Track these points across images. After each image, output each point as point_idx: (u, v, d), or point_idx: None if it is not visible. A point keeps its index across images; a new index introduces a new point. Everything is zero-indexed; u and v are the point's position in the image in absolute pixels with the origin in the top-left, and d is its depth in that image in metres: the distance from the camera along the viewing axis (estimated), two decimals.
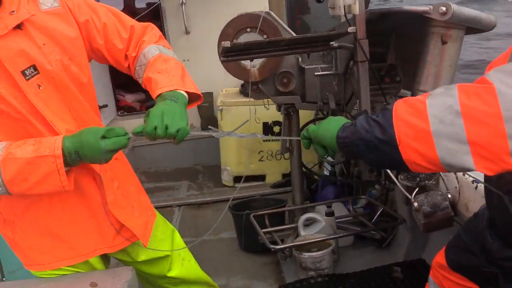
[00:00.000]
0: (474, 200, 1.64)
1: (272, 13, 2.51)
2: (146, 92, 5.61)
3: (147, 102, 5.58)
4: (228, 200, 2.22)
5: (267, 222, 2.61)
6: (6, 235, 1.40)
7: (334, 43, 2.13)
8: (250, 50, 2.10)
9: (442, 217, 1.69)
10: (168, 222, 1.69)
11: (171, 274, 1.56)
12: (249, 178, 3.91)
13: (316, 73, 2.42)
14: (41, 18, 1.25)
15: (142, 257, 1.48)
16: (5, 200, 1.32)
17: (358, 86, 1.97)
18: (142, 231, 1.45)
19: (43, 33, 1.24)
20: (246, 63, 2.45)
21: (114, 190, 1.39)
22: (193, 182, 4.21)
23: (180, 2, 4.64)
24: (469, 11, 1.71)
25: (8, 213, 1.34)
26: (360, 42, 1.88)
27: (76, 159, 1.16)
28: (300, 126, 2.72)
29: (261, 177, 3.92)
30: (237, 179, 3.94)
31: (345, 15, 1.88)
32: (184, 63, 4.73)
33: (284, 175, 3.86)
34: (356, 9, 1.81)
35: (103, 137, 1.15)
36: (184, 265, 1.62)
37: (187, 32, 4.74)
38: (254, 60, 2.34)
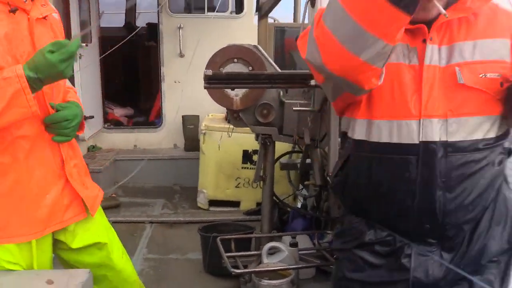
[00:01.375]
0: None
1: (260, 47, 2.65)
2: (135, 107, 5.75)
3: (135, 118, 5.68)
4: (200, 222, 2.30)
5: (233, 247, 2.66)
6: None
7: (311, 82, 2.26)
8: (232, 80, 2.22)
9: None
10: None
11: (111, 262, 1.59)
12: (224, 203, 3.99)
13: (294, 108, 2.54)
14: (54, 18, 1.51)
15: (79, 243, 1.52)
16: None
17: (329, 123, 2.09)
18: (92, 202, 1.53)
19: (57, 29, 1.50)
20: (230, 91, 2.57)
21: (71, 167, 1.47)
22: (169, 202, 4.26)
23: (178, 26, 4.81)
24: None
25: None
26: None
27: (37, 80, 1.24)
28: (276, 157, 2.83)
29: (236, 203, 3.99)
30: (212, 202, 4.00)
31: None
32: (175, 84, 4.88)
33: (258, 204, 3.92)
34: None
35: (51, 51, 1.23)
36: (123, 258, 1.67)
37: (182, 55, 4.89)
38: (237, 89, 2.47)
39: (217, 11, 4.88)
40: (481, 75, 1.11)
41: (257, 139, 2.81)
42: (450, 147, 1.12)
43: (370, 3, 0.94)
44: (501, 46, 1.14)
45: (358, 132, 1.21)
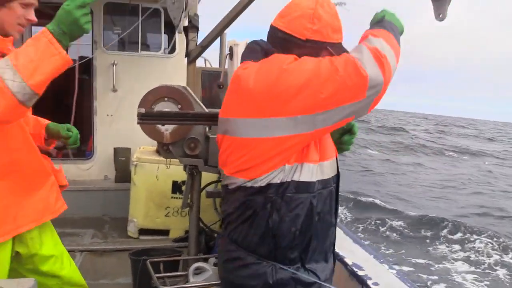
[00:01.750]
0: None
1: (188, 88, 2.99)
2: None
3: (65, 150, 5.70)
4: (130, 250, 2.51)
5: (161, 268, 2.89)
6: None
7: None
8: (163, 117, 2.53)
9: None
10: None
11: (62, 273, 1.82)
12: (154, 232, 4.17)
13: None
14: None
15: (45, 251, 1.76)
16: None
17: None
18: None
19: None
20: (161, 126, 2.87)
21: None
22: (99, 231, 4.35)
23: (112, 62, 5.04)
24: None
25: None
26: None
27: (60, 32, 1.49)
28: (202, 185, 3.13)
29: (166, 232, 4.19)
30: (142, 231, 4.17)
31: None
32: (107, 117, 5.10)
33: (186, 232, 4.15)
34: None
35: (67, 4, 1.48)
36: (71, 265, 1.89)
37: (115, 90, 5.09)
38: (167, 125, 2.77)
39: (150, 50, 5.19)
40: None
41: (185, 169, 3.10)
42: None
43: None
44: None
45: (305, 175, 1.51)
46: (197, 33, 2.99)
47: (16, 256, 1.78)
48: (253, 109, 1.48)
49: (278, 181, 1.48)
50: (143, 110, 2.34)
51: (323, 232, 1.56)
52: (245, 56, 1.63)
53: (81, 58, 6.33)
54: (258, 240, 1.54)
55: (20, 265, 1.82)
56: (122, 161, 5.00)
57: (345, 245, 2.03)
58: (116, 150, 4.99)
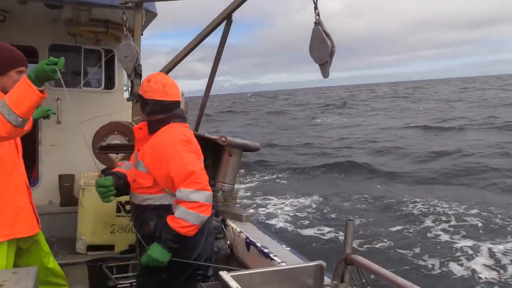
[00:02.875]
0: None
1: (133, 123, 3.71)
2: None
3: None
4: (80, 264, 3.12)
5: (115, 272, 3.52)
6: None
7: None
8: (116, 148, 3.23)
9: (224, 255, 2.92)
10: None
11: (50, 265, 2.47)
12: (101, 247, 4.71)
13: None
14: None
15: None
16: None
17: None
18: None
19: None
20: (112, 155, 3.54)
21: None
22: None
23: (56, 97, 5.54)
24: (240, 140, 3.14)
25: None
26: None
27: (35, 79, 2.16)
28: None
29: (111, 247, 4.75)
30: (90, 247, 4.69)
31: None
32: (51, 148, 5.68)
33: (130, 245, 4.75)
34: None
35: (46, 64, 2.18)
36: (54, 261, 2.55)
37: (58, 122, 5.58)
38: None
39: (91, 87, 5.79)
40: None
41: None
42: None
43: None
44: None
45: None
46: (140, 79, 3.72)
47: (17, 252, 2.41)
48: None
49: None
50: (104, 143, 3.03)
51: None
52: None
53: None
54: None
55: (18, 258, 2.44)
56: (67, 187, 5.48)
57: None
58: (61, 177, 5.46)
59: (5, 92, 2.38)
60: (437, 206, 11.21)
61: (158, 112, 2.56)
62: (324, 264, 1.97)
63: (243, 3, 3.29)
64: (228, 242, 2.93)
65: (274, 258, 2.51)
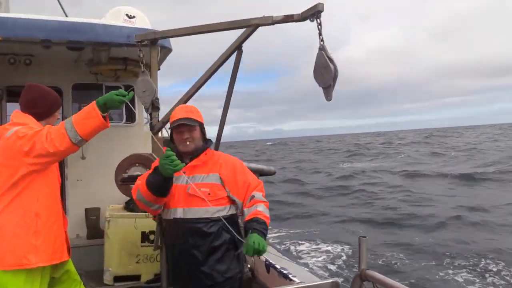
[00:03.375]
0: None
1: (154, 155, 3.85)
2: None
3: None
4: None
5: None
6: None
7: None
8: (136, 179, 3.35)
9: (245, 278, 2.97)
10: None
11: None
12: (127, 278, 4.81)
13: None
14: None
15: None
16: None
17: None
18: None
19: None
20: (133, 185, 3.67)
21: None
22: None
23: None
24: (255, 165, 3.23)
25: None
26: None
27: (102, 106, 2.47)
28: None
29: (137, 277, 4.85)
30: (116, 278, 4.80)
31: None
32: (77, 183, 5.92)
33: (156, 275, 4.83)
34: None
35: (116, 94, 2.52)
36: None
37: (83, 158, 5.82)
38: None
39: (113, 121, 6.02)
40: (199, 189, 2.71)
41: (154, 218, 3.89)
42: None
43: None
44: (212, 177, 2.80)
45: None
46: (158, 112, 3.89)
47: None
48: None
49: None
50: (126, 175, 3.16)
51: None
52: None
53: None
54: None
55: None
56: (93, 220, 5.65)
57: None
58: (87, 210, 5.64)
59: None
60: None
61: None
62: (339, 281, 2.02)
63: (251, 34, 3.45)
64: (249, 265, 2.98)
65: (293, 278, 2.56)
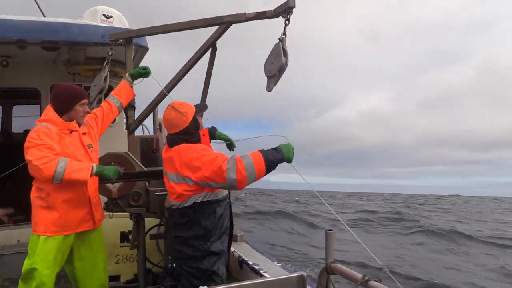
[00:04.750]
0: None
1: (129, 153, 3.83)
2: (16, 206, 6.59)
3: (14, 217, 6.17)
4: None
5: None
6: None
7: None
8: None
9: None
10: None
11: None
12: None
13: (156, 193, 3.72)
14: (89, 129, 3.38)
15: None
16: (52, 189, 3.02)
17: None
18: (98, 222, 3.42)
19: (92, 132, 3.40)
20: (110, 184, 3.65)
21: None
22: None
23: None
24: None
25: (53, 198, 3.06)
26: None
27: (98, 172, 3.01)
28: (146, 229, 3.90)
29: (117, 277, 4.81)
30: None
31: None
32: None
33: (135, 275, 4.81)
34: None
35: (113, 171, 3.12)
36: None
37: None
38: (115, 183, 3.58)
39: None
40: None
41: (131, 218, 3.88)
42: None
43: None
44: None
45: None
46: (134, 111, 3.88)
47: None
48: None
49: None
50: None
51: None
52: None
53: (25, 131, 6.95)
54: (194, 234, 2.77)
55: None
56: None
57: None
58: None
59: (75, 121, 3.20)
60: None
61: None
62: (305, 274, 2.04)
63: (225, 31, 3.46)
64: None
65: (264, 274, 2.57)
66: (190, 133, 2.95)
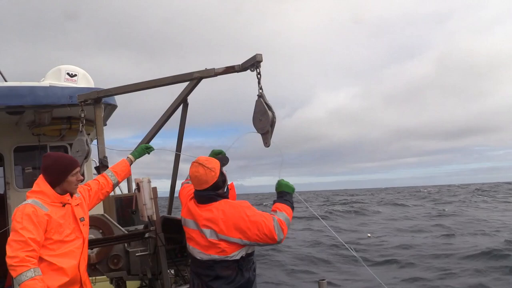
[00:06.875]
0: None
1: (106, 215, 3.73)
2: None
3: None
4: None
5: None
6: None
7: (146, 235, 3.41)
8: (92, 244, 3.23)
9: None
10: None
11: None
12: None
13: (137, 254, 3.61)
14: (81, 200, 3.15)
15: None
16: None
17: (160, 260, 3.23)
18: None
19: (84, 204, 3.15)
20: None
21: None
22: None
23: (25, 198, 5.51)
24: None
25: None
26: (158, 235, 3.23)
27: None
28: None
29: None
30: None
31: (148, 219, 3.24)
32: None
33: None
34: (154, 217, 3.20)
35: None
36: None
37: None
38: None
39: None
40: None
41: (111, 283, 3.73)
42: None
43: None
44: None
45: None
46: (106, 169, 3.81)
47: None
48: None
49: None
50: None
51: None
52: None
53: None
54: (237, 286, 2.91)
55: None
56: None
57: None
58: None
59: (68, 193, 3.02)
60: None
61: None
62: None
63: (195, 87, 3.51)
64: None
65: None
66: (219, 187, 3.00)
